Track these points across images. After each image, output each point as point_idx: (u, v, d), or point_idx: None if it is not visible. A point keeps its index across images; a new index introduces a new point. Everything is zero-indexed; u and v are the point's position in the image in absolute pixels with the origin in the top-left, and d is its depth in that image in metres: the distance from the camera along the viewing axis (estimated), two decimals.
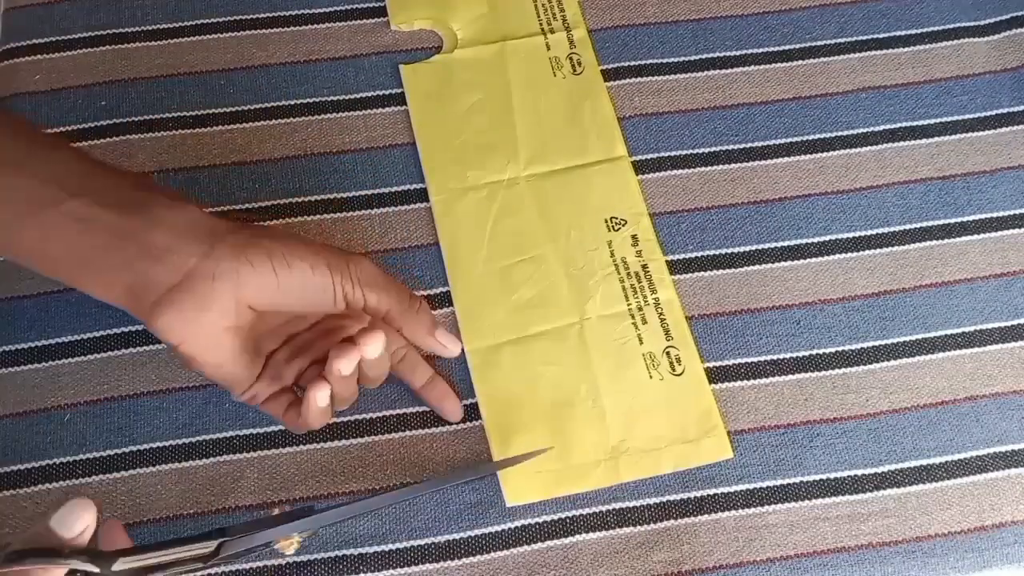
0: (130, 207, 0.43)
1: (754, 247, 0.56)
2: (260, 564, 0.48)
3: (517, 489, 0.49)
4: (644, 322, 0.53)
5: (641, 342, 0.53)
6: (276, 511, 0.44)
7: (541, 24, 0.62)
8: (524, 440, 0.50)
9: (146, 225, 0.42)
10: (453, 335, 0.49)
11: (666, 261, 0.55)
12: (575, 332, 0.53)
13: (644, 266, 0.55)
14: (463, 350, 0.52)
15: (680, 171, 0.58)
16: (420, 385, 0.50)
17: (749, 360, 0.53)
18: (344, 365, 0.44)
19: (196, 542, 0.41)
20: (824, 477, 0.50)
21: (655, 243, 0.55)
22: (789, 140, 0.59)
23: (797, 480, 0.50)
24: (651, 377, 0.52)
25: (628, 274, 0.54)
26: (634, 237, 0.55)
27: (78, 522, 0.37)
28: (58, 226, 0.42)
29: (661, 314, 0.53)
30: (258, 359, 0.46)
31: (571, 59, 0.61)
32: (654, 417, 0.51)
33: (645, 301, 0.54)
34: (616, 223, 0.56)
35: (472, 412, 0.51)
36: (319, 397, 0.44)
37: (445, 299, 0.54)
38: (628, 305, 0.54)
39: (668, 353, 0.53)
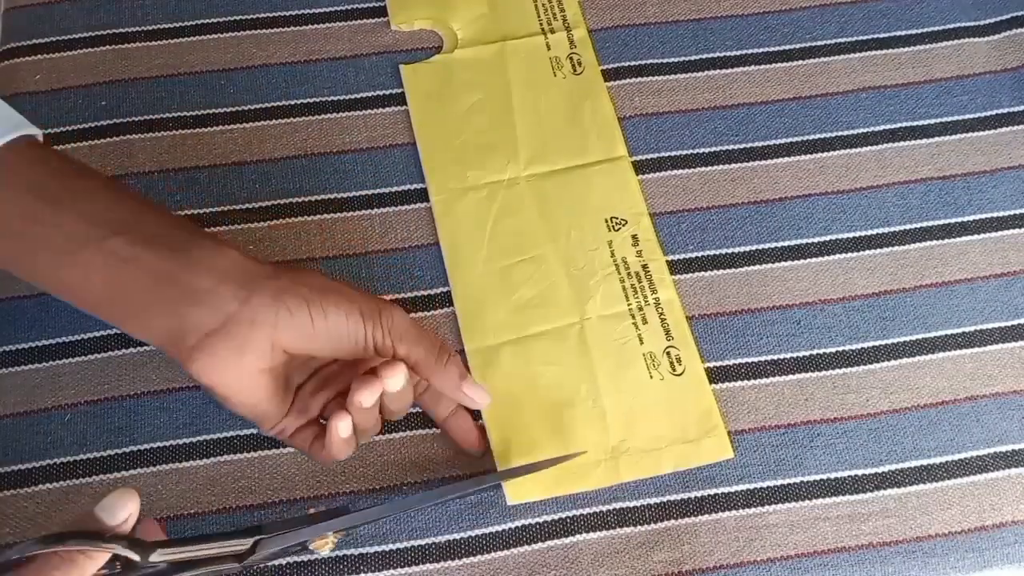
0: (172, 247, 0.43)
1: (754, 247, 0.56)
2: (261, 564, 0.47)
3: (518, 488, 0.49)
4: (644, 322, 0.53)
5: (641, 342, 0.53)
6: (311, 511, 0.45)
7: (541, 24, 0.62)
8: (525, 439, 0.50)
9: (188, 267, 0.43)
10: (481, 387, 0.49)
11: (666, 261, 0.55)
12: (575, 332, 0.53)
13: (644, 266, 0.55)
14: (463, 350, 0.52)
15: (680, 171, 0.58)
16: (443, 417, 0.50)
17: (749, 360, 0.53)
18: (366, 397, 0.44)
19: (233, 539, 0.42)
20: (824, 477, 0.50)
21: (655, 243, 0.55)
22: (789, 140, 0.59)
23: (797, 480, 0.50)
24: (651, 377, 0.52)
25: (628, 274, 0.54)
26: (634, 237, 0.55)
27: (123, 510, 0.38)
28: (99, 264, 0.42)
29: (661, 314, 0.53)
30: (288, 395, 0.46)
31: (571, 59, 0.61)
32: (654, 417, 0.51)
33: (645, 301, 0.54)
34: (616, 223, 0.56)
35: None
36: (341, 428, 0.45)
37: (445, 299, 0.54)
38: (628, 305, 0.54)
39: (668, 353, 0.53)
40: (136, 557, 0.39)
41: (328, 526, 0.44)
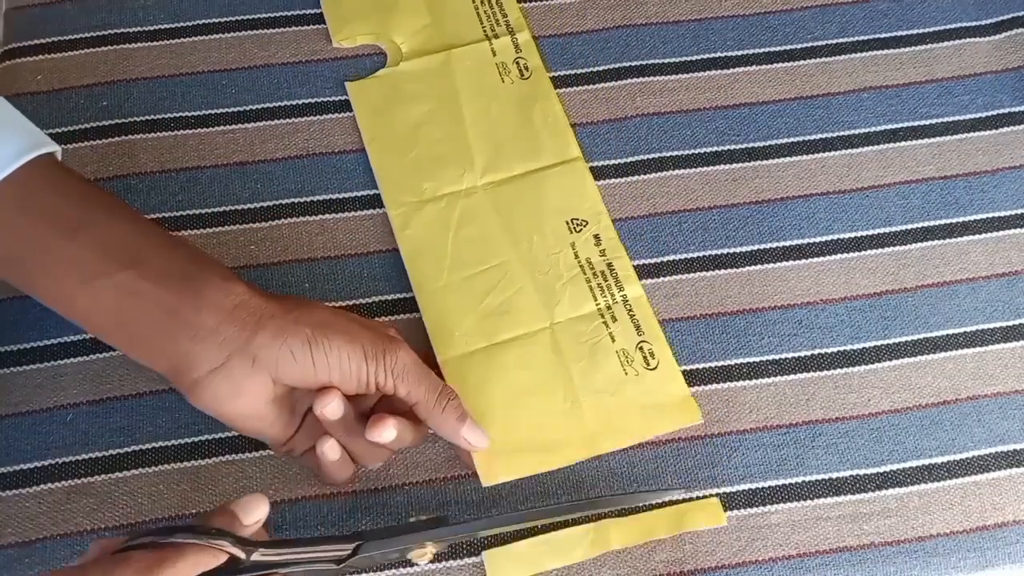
0: (181, 283, 0.43)
1: (756, 247, 0.56)
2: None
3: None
4: (614, 320, 0.53)
5: (613, 340, 0.53)
6: (412, 519, 0.46)
7: (485, 30, 0.61)
8: (504, 446, 0.49)
9: (195, 304, 0.43)
10: (480, 430, 0.48)
11: (671, 261, 0.55)
12: (547, 336, 0.52)
13: (609, 264, 0.54)
14: (438, 360, 0.52)
15: (682, 171, 0.58)
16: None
17: (751, 360, 0.53)
18: (329, 410, 0.45)
19: (334, 543, 0.43)
20: (826, 477, 0.50)
21: (617, 241, 0.55)
22: (791, 140, 0.59)
23: (799, 480, 0.50)
24: (627, 374, 0.52)
25: (594, 273, 0.54)
26: (596, 237, 0.55)
27: (257, 512, 0.41)
28: (107, 297, 0.43)
29: (630, 310, 0.53)
30: (294, 418, 0.47)
31: (518, 64, 0.60)
32: (633, 413, 0.51)
33: (613, 299, 0.54)
34: (577, 224, 0.56)
35: None
36: (325, 451, 0.46)
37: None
38: (597, 305, 0.53)
39: (641, 348, 0.52)
40: (242, 554, 0.39)
41: (428, 535, 0.45)
